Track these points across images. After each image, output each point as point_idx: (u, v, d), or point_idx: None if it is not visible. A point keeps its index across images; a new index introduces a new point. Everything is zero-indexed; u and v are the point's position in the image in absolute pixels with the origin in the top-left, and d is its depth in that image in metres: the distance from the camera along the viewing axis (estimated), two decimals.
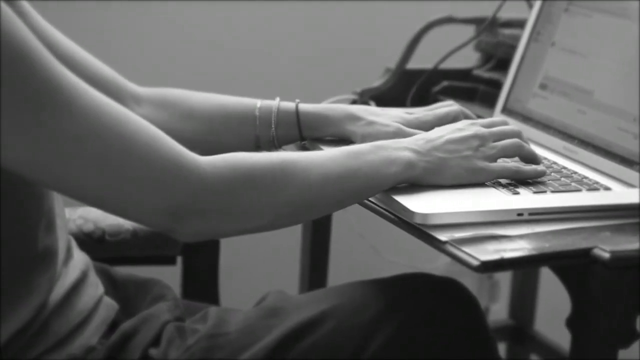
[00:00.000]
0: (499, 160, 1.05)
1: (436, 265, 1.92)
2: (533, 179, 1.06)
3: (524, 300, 1.87)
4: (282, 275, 1.73)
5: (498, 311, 2.02)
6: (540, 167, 1.07)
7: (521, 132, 1.09)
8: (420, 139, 1.03)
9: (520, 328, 1.88)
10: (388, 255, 1.69)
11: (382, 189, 1.00)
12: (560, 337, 1.83)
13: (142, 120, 0.87)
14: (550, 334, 1.86)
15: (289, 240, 1.65)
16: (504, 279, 2.01)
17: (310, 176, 0.93)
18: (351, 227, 1.54)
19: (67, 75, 0.83)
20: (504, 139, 1.06)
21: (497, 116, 1.35)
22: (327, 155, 0.97)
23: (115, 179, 0.85)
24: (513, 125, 1.13)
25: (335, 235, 1.51)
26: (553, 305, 1.95)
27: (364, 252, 1.69)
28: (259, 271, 2.02)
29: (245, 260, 1.94)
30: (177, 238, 0.91)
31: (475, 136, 1.04)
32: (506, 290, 1.99)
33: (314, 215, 1.01)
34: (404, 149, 1.00)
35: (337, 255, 1.58)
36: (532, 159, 1.08)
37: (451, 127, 1.07)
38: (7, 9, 0.79)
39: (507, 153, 1.06)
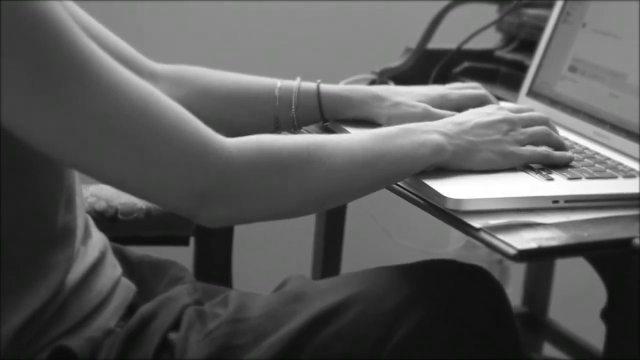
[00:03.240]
0: (527, 146, 1.04)
1: (447, 250, 1.90)
2: (562, 165, 1.04)
3: (538, 287, 1.85)
4: (295, 257, 1.71)
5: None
6: (569, 154, 1.06)
7: (549, 119, 1.08)
8: (449, 122, 1.01)
9: (533, 315, 1.86)
10: (400, 240, 1.66)
11: (411, 174, 0.98)
12: (575, 326, 1.81)
13: (169, 101, 0.85)
14: (565, 323, 1.84)
15: (303, 223, 1.62)
16: (514, 265, 1.99)
17: (337, 160, 0.91)
18: (365, 210, 1.51)
19: (95, 50, 0.80)
20: (532, 125, 1.05)
21: (522, 99, 1.32)
22: (354, 139, 0.95)
23: (139, 160, 0.82)
24: (540, 111, 1.12)
25: (349, 218, 1.49)
26: (568, 293, 1.94)
27: (378, 236, 1.67)
28: (271, 253, 2.01)
29: (258, 242, 1.92)
30: (202, 223, 0.88)
31: (504, 120, 1.03)
32: (518, 276, 1.97)
33: (342, 200, 0.99)
34: (433, 131, 0.98)
35: (351, 239, 1.55)
36: (560, 146, 1.06)
37: (479, 110, 1.06)
38: None
39: (536, 139, 1.04)
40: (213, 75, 1.15)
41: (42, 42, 0.77)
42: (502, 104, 1.17)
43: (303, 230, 1.65)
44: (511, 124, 1.03)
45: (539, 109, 1.27)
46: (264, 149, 0.88)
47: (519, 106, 1.09)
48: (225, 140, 0.87)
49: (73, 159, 0.83)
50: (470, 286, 1.00)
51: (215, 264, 1.36)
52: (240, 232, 1.36)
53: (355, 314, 0.97)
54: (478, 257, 1.94)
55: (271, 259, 1.94)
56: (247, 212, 0.90)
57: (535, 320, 1.86)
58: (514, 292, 1.96)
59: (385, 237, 1.67)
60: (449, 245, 1.94)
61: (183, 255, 1.31)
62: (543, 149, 1.04)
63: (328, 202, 0.97)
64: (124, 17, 1.84)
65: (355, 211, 1.49)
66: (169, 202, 0.86)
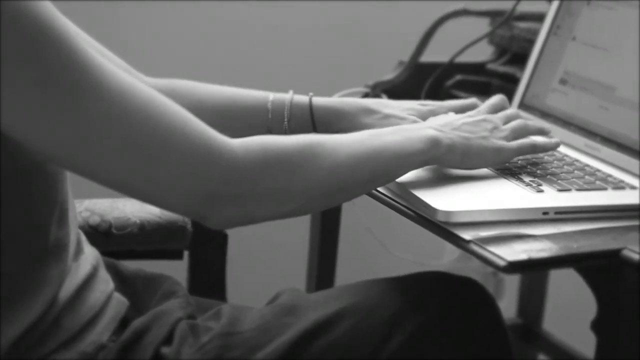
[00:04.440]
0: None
1: (442, 262, 1.90)
2: (551, 150, 1.09)
3: (532, 298, 1.85)
4: (290, 270, 1.71)
5: (503, 309, 2.00)
6: (554, 140, 1.10)
7: (519, 112, 1.14)
8: (438, 122, 1.05)
9: (528, 326, 1.86)
10: (394, 252, 1.67)
11: (410, 168, 1.00)
12: (569, 337, 1.81)
13: (171, 103, 0.85)
14: (559, 334, 1.84)
15: (297, 235, 1.63)
16: (509, 276, 1.99)
17: (339, 157, 0.93)
18: (359, 223, 1.52)
19: (94, 56, 0.81)
20: (509, 121, 1.09)
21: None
22: (351, 137, 0.97)
23: (144, 163, 0.82)
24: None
25: (343, 230, 1.50)
26: (562, 304, 1.94)
27: (372, 248, 1.67)
28: (266, 266, 2.01)
29: (252, 255, 1.92)
30: (210, 225, 0.89)
31: (486, 120, 1.07)
32: (512, 287, 1.97)
33: (345, 197, 0.99)
34: (426, 127, 1.02)
35: (345, 251, 1.56)
36: (541, 133, 1.11)
37: (461, 114, 1.10)
38: None
39: (517, 134, 1.07)
40: (205, 89, 1.15)
41: (46, 50, 0.77)
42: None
43: (297, 243, 1.65)
44: (493, 123, 1.06)
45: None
46: (269, 148, 0.89)
47: (490, 103, 1.13)
48: (231, 140, 0.87)
49: (80, 165, 0.83)
50: (461, 297, 1.01)
51: (209, 278, 1.36)
52: (235, 246, 1.37)
53: (348, 326, 0.97)
54: (472, 269, 1.94)
55: (266, 272, 1.94)
56: (256, 211, 0.90)
57: (530, 331, 1.86)
58: (509, 304, 1.97)
59: (379, 249, 1.67)
60: (444, 257, 1.94)
61: (177, 269, 1.31)
62: (529, 140, 1.07)
63: (334, 198, 0.97)
64: (114, 30, 1.85)
65: (349, 223, 1.50)
66: (177, 204, 0.87)
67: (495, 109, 1.13)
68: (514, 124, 1.08)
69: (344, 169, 0.93)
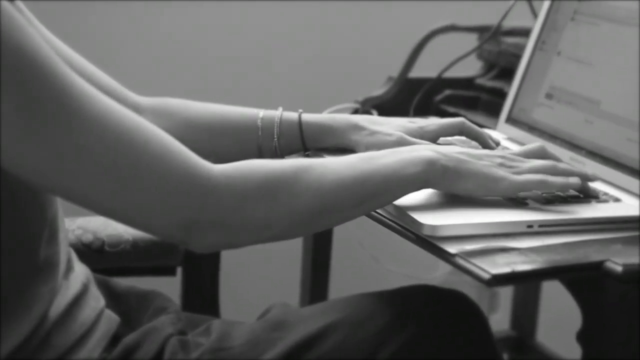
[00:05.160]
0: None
1: (435, 275, 1.91)
2: (562, 191, 1.02)
3: (525, 310, 1.86)
4: (283, 285, 1.72)
5: (498, 321, 2.01)
6: (572, 179, 1.01)
7: (544, 147, 1.03)
8: (437, 146, 1.00)
9: (522, 339, 1.87)
10: (388, 265, 1.67)
11: (403, 193, 0.96)
12: (563, 348, 1.82)
13: (154, 128, 0.85)
14: (552, 345, 1.85)
15: (290, 251, 1.64)
16: (504, 289, 2.00)
17: (324, 182, 0.91)
18: (352, 237, 1.53)
19: (79, 82, 0.81)
20: (529, 156, 1.02)
21: (501, 126, 1.34)
22: (341, 160, 0.95)
23: (127, 190, 0.83)
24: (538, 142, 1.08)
25: (336, 245, 1.50)
26: (555, 316, 1.95)
27: (365, 262, 1.68)
28: (259, 282, 2.01)
29: (245, 271, 1.93)
30: (192, 250, 0.89)
31: (497, 155, 1.01)
32: (506, 300, 1.98)
33: (332, 222, 0.98)
34: (423, 149, 0.97)
35: (338, 266, 1.56)
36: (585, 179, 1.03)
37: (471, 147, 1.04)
38: (15, 13, 0.78)
39: (539, 171, 1.00)
40: (196, 107, 1.15)
41: (28, 76, 0.77)
42: (491, 134, 1.16)
43: (291, 257, 1.66)
44: (504, 158, 1.00)
45: (518, 136, 1.30)
46: (251, 174, 0.89)
47: (522, 149, 1.04)
48: (213, 167, 0.87)
49: (63, 190, 0.83)
50: (449, 310, 1.02)
51: (202, 294, 1.36)
52: (228, 262, 1.38)
53: (338, 339, 0.98)
54: (466, 282, 1.95)
55: (259, 288, 1.94)
56: (238, 237, 0.90)
57: (524, 343, 1.87)
58: (505, 317, 1.97)
59: (372, 264, 1.68)
60: (438, 270, 1.94)
61: (171, 286, 1.32)
62: (539, 175, 0.99)
63: (318, 224, 0.96)
64: (108, 49, 1.86)
65: (342, 239, 1.51)
66: (158, 229, 0.87)
67: (531, 156, 1.03)
68: (539, 161, 1.01)
69: (329, 195, 0.92)
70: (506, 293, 1.97)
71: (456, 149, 0.99)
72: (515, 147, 1.09)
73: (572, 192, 1.05)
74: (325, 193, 0.91)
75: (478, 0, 1.78)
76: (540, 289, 1.86)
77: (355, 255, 1.63)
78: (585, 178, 1.04)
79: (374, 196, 0.95)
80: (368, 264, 1.68)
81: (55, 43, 1.07)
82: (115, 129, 0.82)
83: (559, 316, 1.96)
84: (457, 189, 0.98)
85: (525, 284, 1.85)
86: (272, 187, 0.89)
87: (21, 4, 1.01)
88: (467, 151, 1.00)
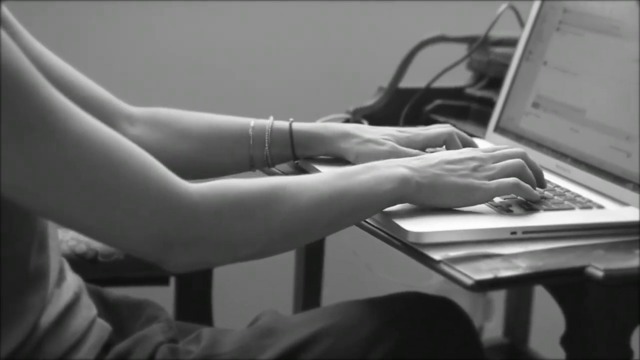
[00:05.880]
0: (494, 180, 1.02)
1: (430, 283, 1.92)
2: (530, 200, 1.04)
3: (518, 318, 1.87)
4: (276, 294, 1.73)
5: (492, 329, 2.02)
6: (538, 193, 1.04)
7: (525, 153, 1.06)
8: (415, 158, 1.02)
9: (514, 345, 1.88)
10: (381, 274, 1.68)
11: (378, 209, 0.99)
12: (555, 355, 1.82)
13: (133, 147, 0.85)
14: (545, 352, 1.86)
15: (283, 259, 1.65)
16: (498, 297, 2.01)
17: (301, 200, 0.92)
18: (345, 246, 1.54)
19: (58, 99, 0.81)
20: (505, 160, 1.03)
21: (490, 135, 1.36)
22: (318, 178, 0.96)
23: (103, 208, 0.83)
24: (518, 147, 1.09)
25: (328, 254, 1.51)
26: (548, 323, 1.95)
27: (358, 271, 1.69)
28: (252, 291, 2.02)
29: (239, 280, 1.94)
30: (168, 269, 0.89)
31: (472, 158, 1.02)
32: (500, 308, 1.99)
33: (309, 239, 1.00)
34: (397, 166, 0.99)
35: (331, 274, 1.57)
36: (533, 184, 1.04)
37: (449, 150, 1.06)
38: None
39: (508, 173, 1.02)
40: (188, 117, 1.16)
41: (6, 93, 0.77)
42: (480, 143, 1.18)
43: (283, 265, 1.66)
44: (480, 161, 1.02)
45: (506, 145, 1.31)
46: (227, 194, 0.89)
47: (497, 146, 1.08)
48: (189, 186, 0.87)
49: (37, 208, 0.84)
50: (437, 316, 1.03)
51: (195, 303, 1.38)
52: (221, 271, 1.38)
53: (326, 346, 0.99)
54: (461, 290, 1.96)
55: (252, 297, 1.94)
56: (213, 257, 0.91)
57: (517, 350, 1.88)
58: (498, 325, 1.98)
59: (366, 272, 1.69)
60: (432, 278, 1.95)
61: (164, 295, 1.33)
62: (511, 179, 1.01)
63: (295, 242, 0.98)
64: (106, 50, 1.87)
65: (335, 245, 1.52)
66: (134, 247, 0.87)
67: (497, 150, 1.06)
68: (508, 162, 1.03)
69: (305, 213, 0.92)
70: (499, 301, 1.98)
71: (434, 161, 1.01)
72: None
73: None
74: (302, 210, 0.92)
75: (468, 9, 1.80)
76: (533, 296, 1.87)
77: (348, 264, 1.64)
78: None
79: (351, 212, 0.96)
80: (361, 272, 1.69)
81: (42, 54, 1.07)
82: (93, 147, 0.82)
83: (552, 323, 1.97)
84: (433, 204, 1.00)
85: (517, 291, 1.86)
86: (249, 205, 0.90)
87: (6, 11, 1.01)
88: (443, 159, 1.01)
